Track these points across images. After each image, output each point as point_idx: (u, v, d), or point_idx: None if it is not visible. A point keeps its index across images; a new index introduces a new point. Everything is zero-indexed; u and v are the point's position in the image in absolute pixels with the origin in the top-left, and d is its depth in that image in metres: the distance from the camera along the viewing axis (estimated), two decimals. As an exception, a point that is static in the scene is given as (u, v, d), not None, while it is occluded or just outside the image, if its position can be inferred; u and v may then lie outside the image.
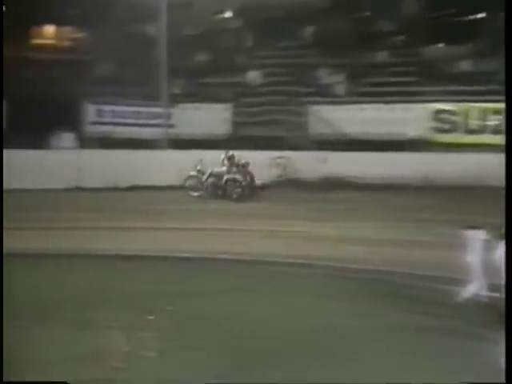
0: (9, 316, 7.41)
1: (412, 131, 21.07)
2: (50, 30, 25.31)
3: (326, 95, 22.81)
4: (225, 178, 18.65)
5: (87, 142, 20.85)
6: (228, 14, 25.66)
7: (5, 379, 5.77)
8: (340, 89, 23.29)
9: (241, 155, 18.94)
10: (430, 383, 6.23)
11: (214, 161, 18.77)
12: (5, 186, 17.67)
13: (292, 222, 14.21)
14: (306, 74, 23.40)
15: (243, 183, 18.65)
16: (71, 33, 25.20)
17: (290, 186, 19.53)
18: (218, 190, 18.71)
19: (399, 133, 20.85)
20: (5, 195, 16.72)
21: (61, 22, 24.81)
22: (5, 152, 19.15)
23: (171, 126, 21.53)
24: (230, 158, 18.78)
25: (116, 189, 19.07)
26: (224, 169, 18.72)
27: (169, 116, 21.61)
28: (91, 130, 21.68)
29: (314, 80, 23.47)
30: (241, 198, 18.29)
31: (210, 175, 18.75)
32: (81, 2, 22.79)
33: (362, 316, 8.05)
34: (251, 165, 18.73)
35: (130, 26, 23.73)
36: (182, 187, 18.82)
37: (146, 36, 23.13)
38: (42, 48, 24.29)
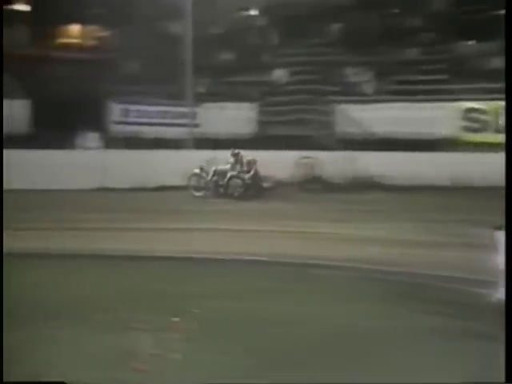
0: (30, 316, 7.54)
1: (441, 130, 20.92)
2: (75, 29, 25.57)
3: (354, 94, 22.74)
4: (228, 175, 18.55)
5: (112, 142, 20.99)
6: (253, 12, 25.72)
7: (29, 379, 5.82)
8: (368, 87, 23.21)
9: (266, 155, 18.96)
10: (431, 383, 6.24)
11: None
12: (30, 186, 17.93)
13: (312, 224, 14.14)
14: (332, 72, 23.34)
15: (247, 181, 18.50)
16: (97, 32, 25.42)
17: (315, 185, 19.50)
18: (221, 188, 18.59)
19: (428, 132, 20.72)
20: (31, 195, 17.02)
21: (86, 20, 25.04)
22: (30, 152, 19.48)
23: (196, 125, 21.60)
24: (236, 155, 18.70)
25: (141, 189, 19.12)
26: (228, 166, 18.63)
27: (194, 115, 21.69)
28: (116, 129, 21.83)
29: (340, 78, 23.41)
30: (243, 197, 18.08)
31: (215, 173, 18.67)
32: (106, 1, 23.00)
33: (389, 318, 8.01)
34: (276, 164, 18.67)
35: (155, 25, 23.88)
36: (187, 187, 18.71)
37: (171, 34, 23.26)
38: (67, 47, 24.54)
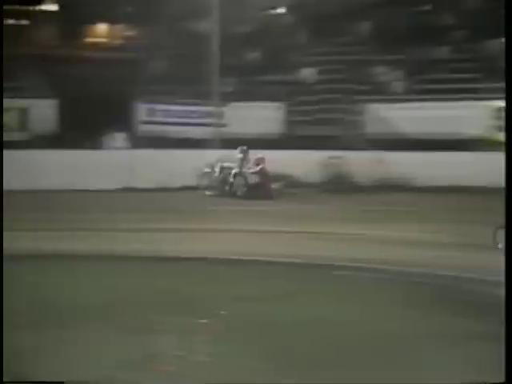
0: (55, 318, 7.69)
1: (473, 130, 20.79)
2: (102, 28, 25.84)
3: (383, 93, 22.69)
4: (233, 172, 18.53)
5: (139, 142, 21.19)
6: (281, 10, 25.76)
7: (53, 379, 5.95)
8: (398, 86, 23.14)
9: (293, 155, 19.00)
10: (430, 383, 6.26)
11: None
12: (56, 186, 18.23)
13: (338, 225, 14.15)
14: (362, 71, 23.29)
15: (249, 180, 18.34)
16: (124, 31, 25.66)
17: (342, 186, 19.51)
18: (226, 186, 18.56)
19: (459, 132, 20.60)
20: (57, 195, 17.31)
21: (113, 19, 25.30)
22: (56, 152, 19.78)
23: (223, 125, 21.70)
24: (244, 152, 18.68)
25: (166, 189, 19.21)
26: (235, 163, 18.59)
27: (221, 115, 21.79)
28: (143, 129, 22.01)
29: (370, 77, 23.36)
30: (249, 197, 17.98)
31: (221, 171, 18.61)
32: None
33: (414, 321, 8.02)
34: (303, 164, 18.72)
35: (182, 24, 24.03)
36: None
37: (198, 33, 23.36)
38: (94, 47, 24.82)
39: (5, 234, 10.36)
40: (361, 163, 19.92)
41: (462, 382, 6.04)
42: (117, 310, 8.12)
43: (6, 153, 19.02)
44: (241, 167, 18.72)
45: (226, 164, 18.78)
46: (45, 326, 7.43)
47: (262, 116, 21.87)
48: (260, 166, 18.77)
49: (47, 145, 19.95)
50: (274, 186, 18.70)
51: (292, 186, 19.02)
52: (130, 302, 8.49)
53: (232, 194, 18.48)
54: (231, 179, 18.69)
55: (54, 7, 25.19)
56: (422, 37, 22.66)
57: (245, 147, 18.81)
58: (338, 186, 19.50)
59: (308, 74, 23.68)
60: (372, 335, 7.47)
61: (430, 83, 22.38)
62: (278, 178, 19.09)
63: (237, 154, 18.93)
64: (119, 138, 21.25)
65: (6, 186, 16.94)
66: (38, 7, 24.96)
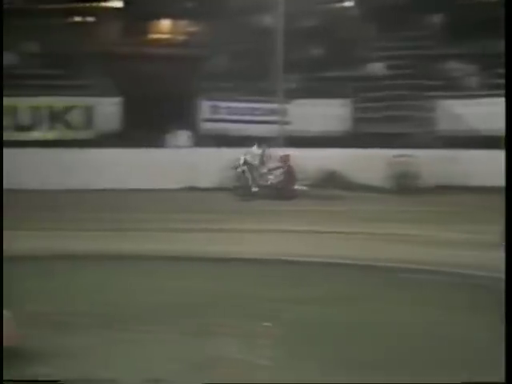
0: (118, 319, 8.01)
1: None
2: (165, 24, 26.35)
3: (456, 89, 22.47)
4: (243, 169, 18.56)
5: (202, 140, 21.57)
6: (348, 3, 25.74)
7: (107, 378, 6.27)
8: (472, 81, 22.89)
9: (359, 153, 19.07)
10: (429, 383, 6.35)
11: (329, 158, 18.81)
12: (121, 185, 18.82)
13: (402, 226, 14.18)
14: (433, 65, 23.13)
15: (270, 182, 18.30)
16: (187, 26, 26.08)
17: (408, 185, 19.46)
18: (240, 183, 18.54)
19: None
20: (122, 195, 17.85)
21: (176, 15, 25.76)
22: (120, 151, 20.35)
23: (287, 122, 21.86)
24: (262, 149, 18.68)
25: (224, 189, 19.33)
26: (256, 162, 18.65)
27: (285, 112, 21.94)
28: (206, 127, 22.37)
29: (442, 72, 23.16)
30: (256, 196, 17.98)
31: (244, 164, 18.61)
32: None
33: (476, 325, 8.08)
34: (368, 163, 18.70)
35: (246, 18, 24.26)
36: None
37: (261, 28, 23.56)
38: (157, 43, 25.34)
39: (63, 233, 10.84)
40: (430, 162, 19.85)
41: (463, 381, 6.13)
42: (178, 312, 8.36)
43: (69, 151, 19.85)
44: (258, 165, 18.65)
45: (249, 157, 18.82)
46: (105, 327, 7.76)
47: (326, 113, 21.89)
48: (284, 164, 18.77)
49: (111, 143, 20.55)
50: (297, 186, 18.59)
51: (351, 187, 19.05)
52: (191, 303, 8.71)
53: (243, 194, 18.51)
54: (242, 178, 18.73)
55: (119, 4, 25.80)
56: (497, 29, 22.30)
57: (263, 144, 18.85)
58: (403, 185, 19.49)
59: (376, 69, 23.57)
60: (434, 338, 7.56)
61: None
62: (338, 176, 19.15)
63: (255, 150, 18.98)
64: (182, 136, 21.67)
65: (66, 185, 17.73)
66: (102, 4, 25.64)
